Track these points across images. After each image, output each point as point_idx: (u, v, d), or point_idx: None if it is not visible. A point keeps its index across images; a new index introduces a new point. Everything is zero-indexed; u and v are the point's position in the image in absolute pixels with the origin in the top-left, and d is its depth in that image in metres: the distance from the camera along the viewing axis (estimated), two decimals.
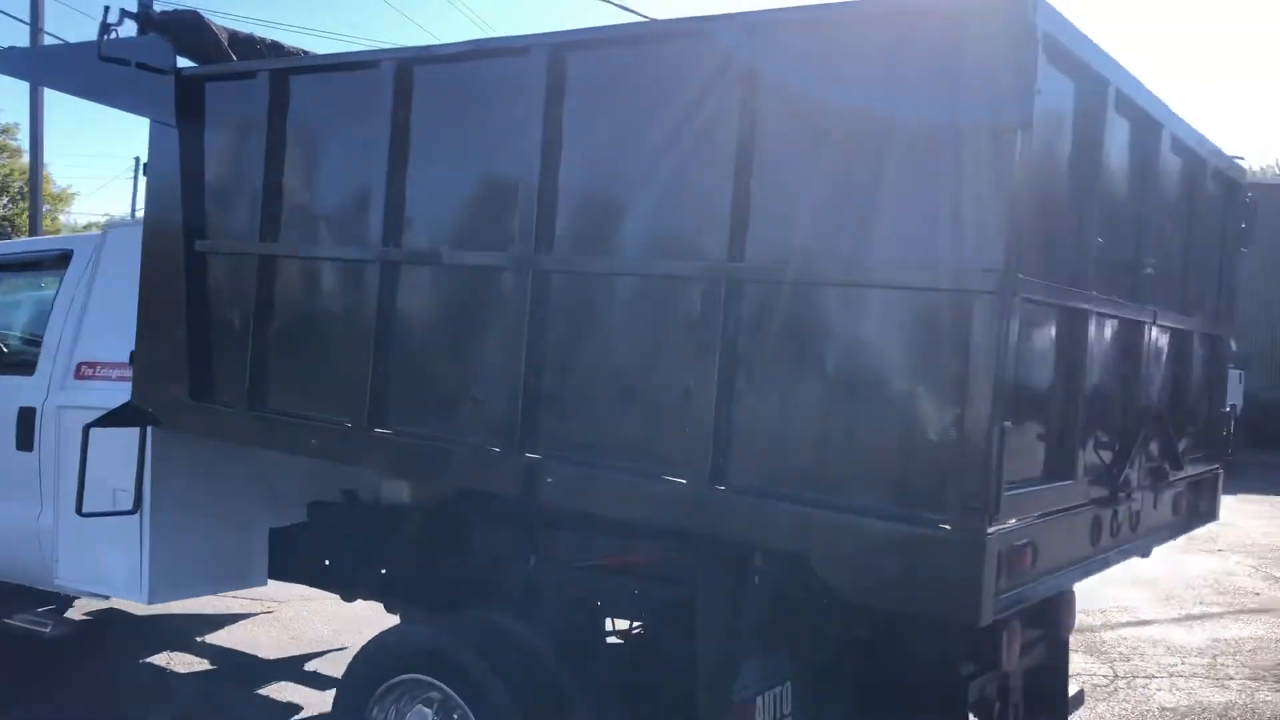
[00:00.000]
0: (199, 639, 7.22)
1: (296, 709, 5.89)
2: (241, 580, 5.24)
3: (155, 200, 4.60)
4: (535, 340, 3.40)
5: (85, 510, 4.64)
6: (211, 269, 4.43)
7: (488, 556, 4.12)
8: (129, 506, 4.88)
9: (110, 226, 5.52)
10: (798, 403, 2.96)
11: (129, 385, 4.93)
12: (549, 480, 3.35)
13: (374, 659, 3.86)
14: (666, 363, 3.21)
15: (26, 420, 5.41)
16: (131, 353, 4.74)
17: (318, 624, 7.61)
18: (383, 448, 3.80)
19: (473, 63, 3.73)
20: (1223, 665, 7.12)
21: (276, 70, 4.19)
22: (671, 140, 3.16)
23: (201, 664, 6.72)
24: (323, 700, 5.97)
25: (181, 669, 6.57)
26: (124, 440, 4.87)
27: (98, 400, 5.03)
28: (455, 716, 3.65)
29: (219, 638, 7.29)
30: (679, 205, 3.20)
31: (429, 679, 3.68)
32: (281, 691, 6.19)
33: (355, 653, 3.97)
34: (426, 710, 3.75)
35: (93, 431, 4.93)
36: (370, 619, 7.47)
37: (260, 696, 6.10)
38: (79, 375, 5.22)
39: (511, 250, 3.47)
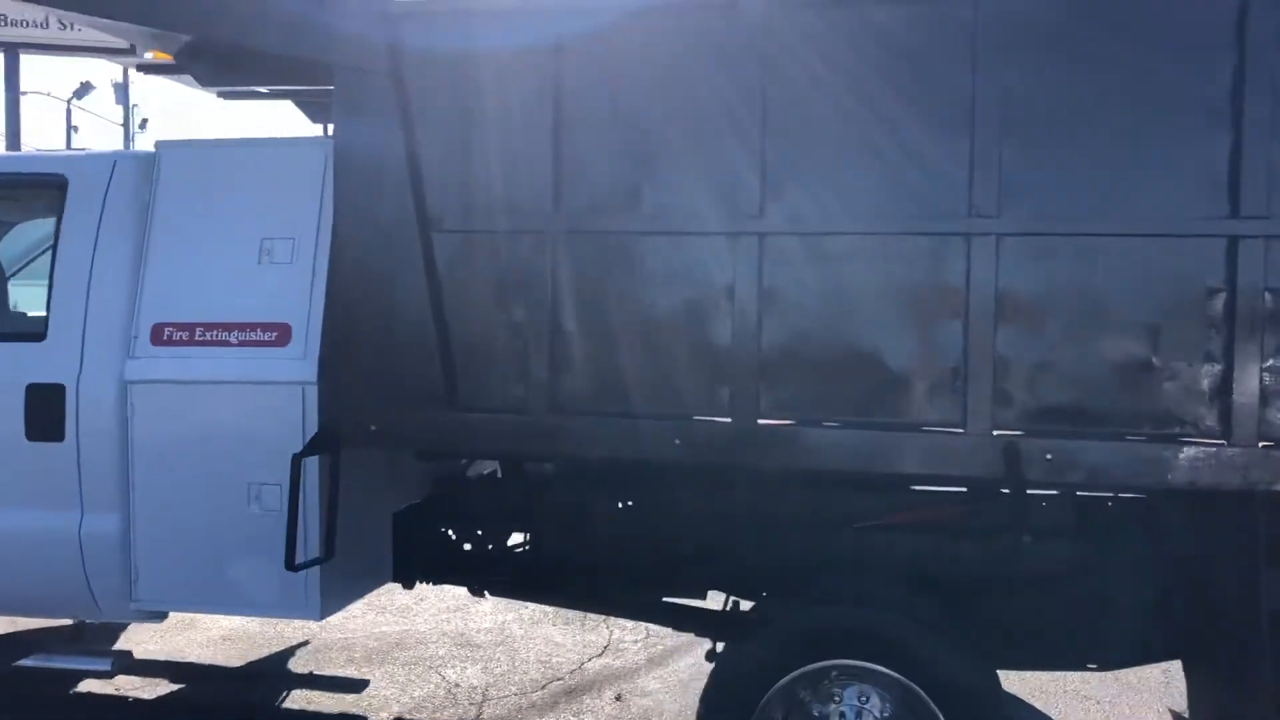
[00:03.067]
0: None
1: None
2: (379, 578, 4.39)
3: (355, 170, 3.64)
4: (1004, 312, 3.23)
5: (299, 562, 3.69)
6: (469, 253, 3.64)
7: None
8: (275, 505, 3.92)
9: (166, 146, 4.22)
10: None
11: (253, 350, 3.94)
12: (1048, 457, 3.21)
13: (785, 647, 3.49)
14: (1184, 328, 3.18)
15: (50, 402, 4.09)
16: (322, 360, 3.80)
17: (225, 618, 6.48)
18: (785, 442, 3.40)
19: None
20: None
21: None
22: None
23: (161, 684, 5.52)
24: (363, 704, 5.21)
25: (145, 694, 5.37)
26: (255, 426, 3.91)
27: (207, 371, 3.96)
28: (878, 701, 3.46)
29: (129, 647, 5.99)
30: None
31: (869, 666, 3.42)
32: (314, 701, 5.28)
33: (746, 643, 3.55)
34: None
35: (212, 412, 3.94)
36: None
37: (301, 713, 5.16)
38: (163, 340, 4.02)
39: (965, 217, 3.26)
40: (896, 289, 3.36)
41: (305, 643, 6.13)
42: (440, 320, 3.60)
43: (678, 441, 3.45)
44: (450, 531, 4.51)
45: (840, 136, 3.38)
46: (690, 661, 5.86)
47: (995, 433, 3.25)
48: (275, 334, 3.92)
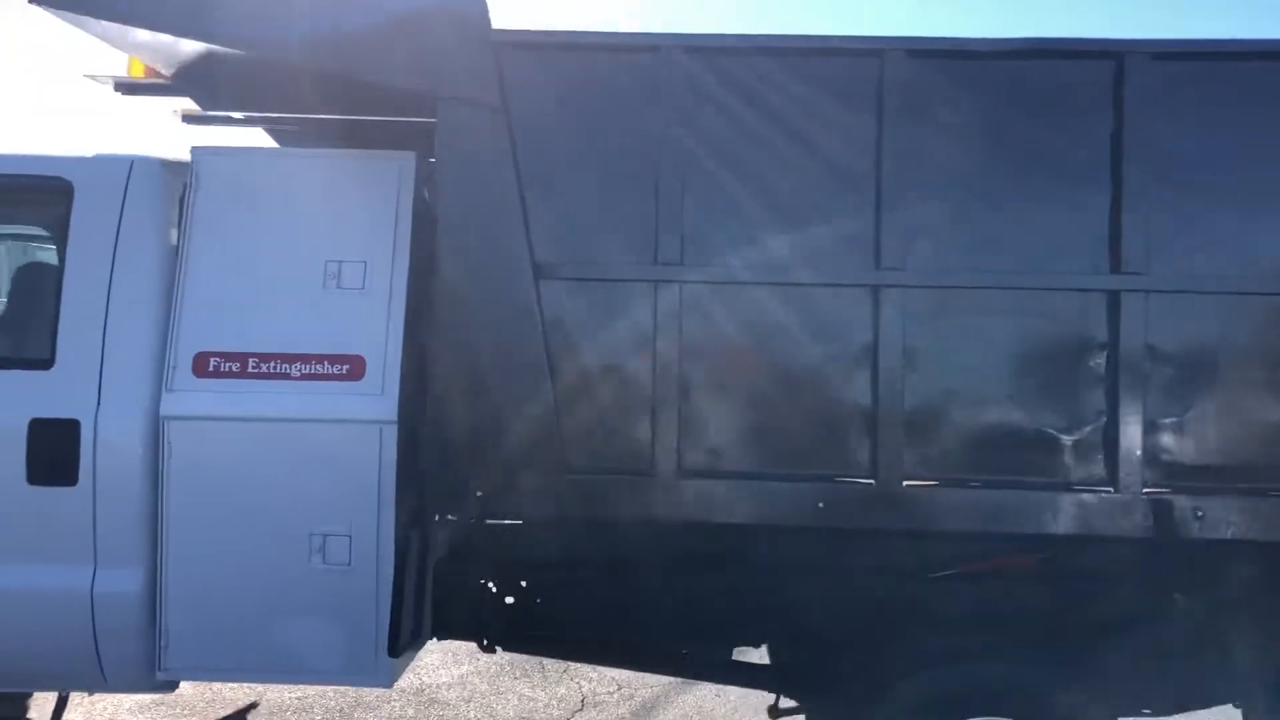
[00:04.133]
0: None
1: None
2: (423, 636, 3.99)
3: (460, 209, 3.35)
4: (1151, 369, 3.29)
5: (401, 647, 3.35)
6: (585, 303, 3.41)
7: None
8: (343, 559, 3.53)
9: (204, 153, 3.70)
10: None
11: (321, 385, 3.53)
12: (1199, 514, 3.25)
13: (923, 707, 3.36)
14: None
15: (59, 440, 3.54)
16: (422, 418, 3.45)
17: None
18: (929, 504, 3.32)
19: None
20: None
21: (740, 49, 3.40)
22: None
23: None
24: None
25: None
26: (322, 469, 3.52)
27: (263, 407, 3.53)
28: None
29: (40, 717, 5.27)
30: None
31: None
32: None
33: (879, 707, 3.39)
34: None
35: (268, 454, 3.52)
36: None
37: None
38: (207, 371, 3.54)
39: (1109, 274, 3.32)
40: (1042, 345, 3.34)
41: (253, 704, 5.56)
42: (555, 376, 3.34)
43: (821, 505, 3.31)
44: (491, 584, 4.17)
45: (980, 189, 3.35)
46: (677, 712, 5.66)
47: (1145, 491, 3.27)
48: (347, 367, 3.53)
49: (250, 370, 3.55)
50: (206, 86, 4.17)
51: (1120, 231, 3.29)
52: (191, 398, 3.53)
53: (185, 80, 4.13)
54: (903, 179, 3.32)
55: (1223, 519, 3.25)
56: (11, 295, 3.95)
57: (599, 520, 3.48)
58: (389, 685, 3.64)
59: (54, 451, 3.54)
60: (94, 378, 3.58)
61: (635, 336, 3.37)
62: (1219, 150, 3.31)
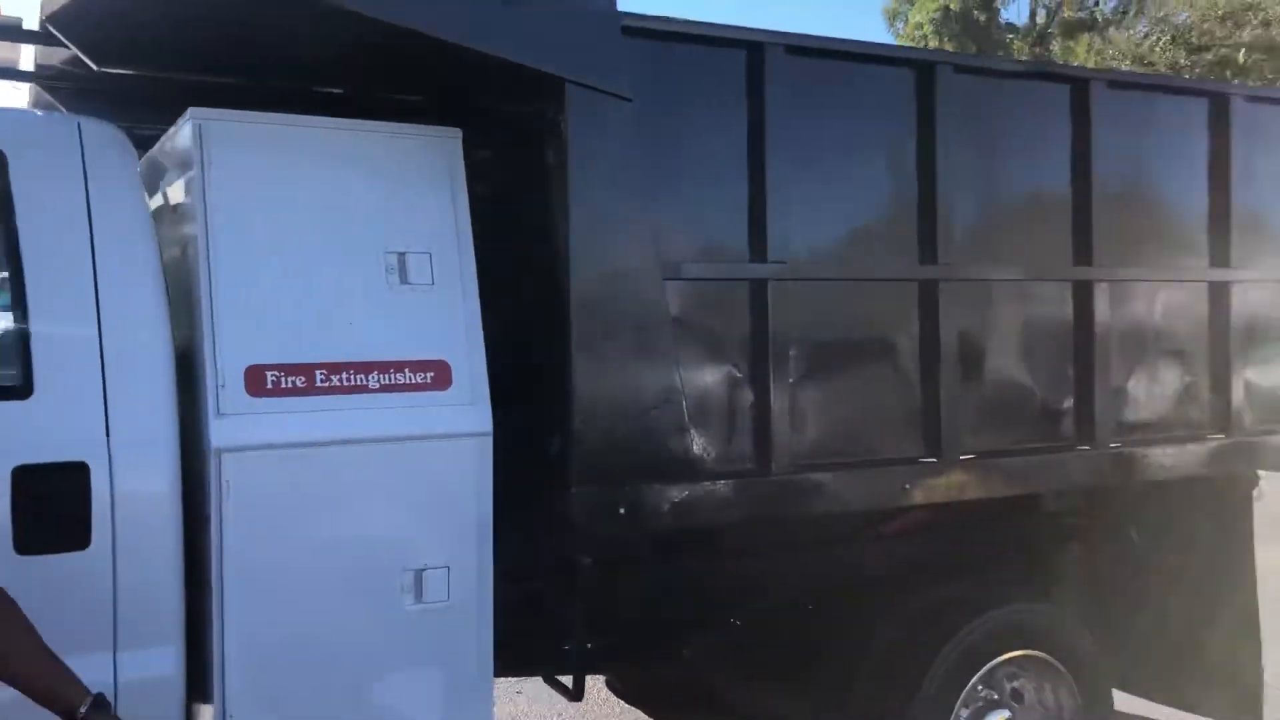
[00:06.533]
0: None
1: None
2: None
3: (592, 205, 3.07)
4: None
5: None
6: (707, 304, 3.38)
7: None
8: (442, 595, 3.07)
9: (211, 119, 2.77)
10: None
11: (404, 397, 3.03)
12: None
13: (994, 638, 3.70)
14: None
15: (59, 491, 2.67)
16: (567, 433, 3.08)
17: None
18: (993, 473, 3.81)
19: None
20: None
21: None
22: None
23: None
24: None
25: None
26: (413, 495, 3.07)
27: (346, 428, 2.94)
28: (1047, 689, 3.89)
29: None
30: None
31: (1044, 655, 3.80)
32: None
33: (960, 634, 3.66)
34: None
35: (350, 483, 3.02)
36: None
37: None
38: (266, 389, 2.84)
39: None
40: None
41: None
42: (684, 381, 3.23)
43: (906, 485, 3.58)
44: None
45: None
46: None
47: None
48: (431, 374, 3.06)
49: (320, 385, 2.92)
50: (102, 36, 3.33)
51: None
52: (251, 422, 2.83)
53: (69, 25, 3.26)
54: (956, 188, 3.64)
55: None
56: None
57: (729, 525, 3.42)
58: None
59: (53, 508, 2.66)
60: (96, 404, 2.74)
61: (746, 335, 3.35)
62: None
